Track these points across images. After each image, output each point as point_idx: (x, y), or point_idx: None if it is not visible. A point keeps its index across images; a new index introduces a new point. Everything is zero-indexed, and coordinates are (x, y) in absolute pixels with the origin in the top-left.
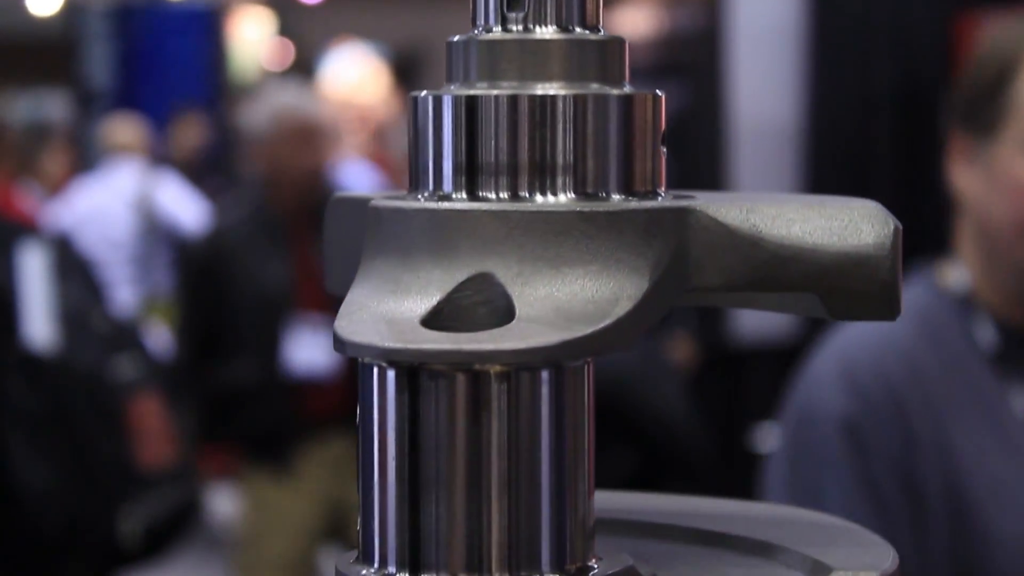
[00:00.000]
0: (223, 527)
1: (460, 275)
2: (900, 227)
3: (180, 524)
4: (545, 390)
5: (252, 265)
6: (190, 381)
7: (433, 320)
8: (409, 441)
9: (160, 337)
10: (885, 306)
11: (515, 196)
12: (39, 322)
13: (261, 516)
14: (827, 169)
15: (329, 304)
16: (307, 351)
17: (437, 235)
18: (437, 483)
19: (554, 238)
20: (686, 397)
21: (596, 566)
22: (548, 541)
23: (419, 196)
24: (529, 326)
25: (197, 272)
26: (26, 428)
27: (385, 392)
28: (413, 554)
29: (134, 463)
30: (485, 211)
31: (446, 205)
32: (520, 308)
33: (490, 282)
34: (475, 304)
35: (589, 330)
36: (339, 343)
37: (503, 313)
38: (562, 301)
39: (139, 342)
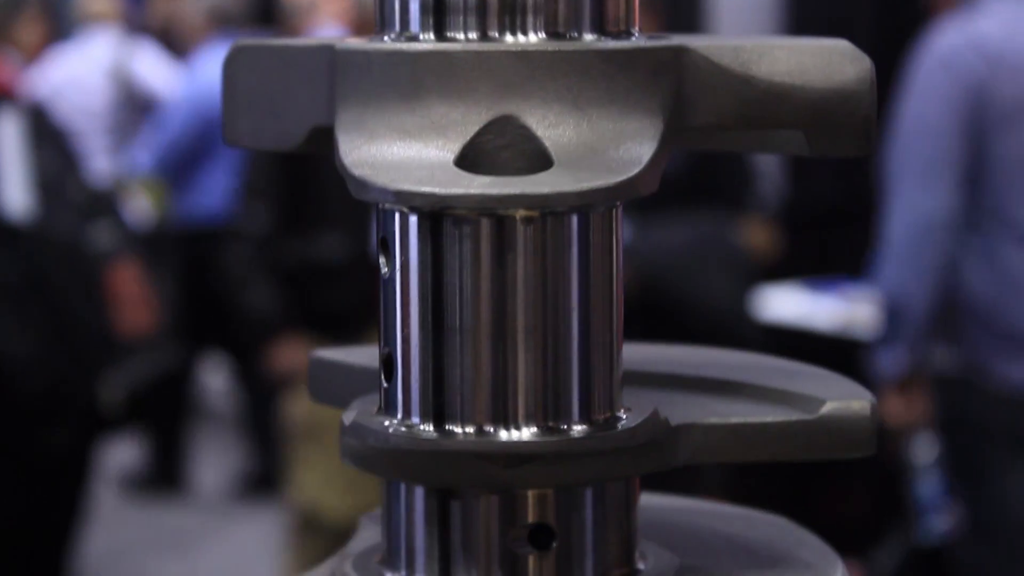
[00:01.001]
0: (217, 400)
1: (481, 118)
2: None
3: (163, 390)
4: (575, 235)
5: None
6: (266, 250)
7: (460, 165)
8: (433, 288)
9: (138, 209)
10: (864, 140)
11: (484, 36)
12: (15, 190)
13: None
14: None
15: None
16: None
17: (450, 77)
18: (461, 331)
19: (576, 79)
20: (747, 290)
21: (624, 416)
22: (576, 390)
23: (385, 38)
24: (567, 171)
25: None
26: (4, 297)
27: (407, 238)
28: (437, 404)
29: (114, 330)
30: (505, 52)
31: (459, 46)
32: (554, 152)
33: (514, 125)
34: (498, 148)
35: (626, 175)
36: (362, 187)
37: (530, 157)
38: (592, 144)
39: (115, 210)
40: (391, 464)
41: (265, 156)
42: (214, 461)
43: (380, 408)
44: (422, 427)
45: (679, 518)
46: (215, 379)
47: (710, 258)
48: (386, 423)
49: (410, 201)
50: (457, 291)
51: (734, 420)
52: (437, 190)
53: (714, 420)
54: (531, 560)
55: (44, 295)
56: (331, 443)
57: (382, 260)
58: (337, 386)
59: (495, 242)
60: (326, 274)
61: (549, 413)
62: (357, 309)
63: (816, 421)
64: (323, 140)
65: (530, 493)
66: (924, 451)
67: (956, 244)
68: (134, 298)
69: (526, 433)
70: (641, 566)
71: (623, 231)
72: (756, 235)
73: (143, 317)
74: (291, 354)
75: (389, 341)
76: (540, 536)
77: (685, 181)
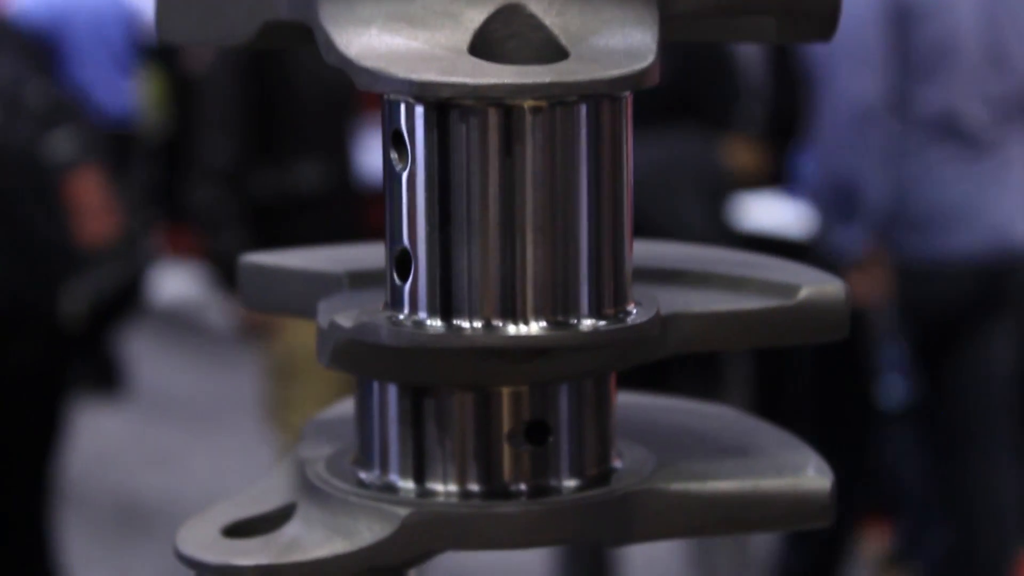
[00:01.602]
0: (172, 307)
1: (487, 7)
2: None
3: (125, 301)
4: (584, 126)
5: (309, 59)
6: (235, 185)
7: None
8: (439, 180)
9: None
10: (829, 26)
11: None
12: None
13: (305, 345)
14: None
15: None
16: (378, 154)
17: None
18: (469, 224)
19: None
20: (721, 214)
21: (634, 311)
22: (586, 284)
23: None
24: (578, 60)
25: (245, 67)
26: None
27: (414, 128)
28: (444, 299)
29: (74, 241)
30: None
31: None
32: (563, 40)
33: (520, 14)
34: (504, 38)
35: (640, 64)
36: (375, 79)
37: (537, 46)
38: (599, 32)
39: (78, 116)
40: (398, 362)
41: (223, 82)
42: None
43: (386, 304)
44: (430, 323)
45: (654, 416)
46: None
47: (685, 179)
48: (390, 317)
49: (436, 92)
50: (465, 184)
51: (718, 309)
52: (467, 80)
53: (699, 310)
54: (508, 457)
55: (0, 207)
56: (315, 380)
57: (394, 155)
58: (272, 291)
59: (503, 133)
60: (303, 206)
61: (558, 307)
62: (337, 243)
63: (795, 307)
64: (276, 35)
65: (527, 388)
66: (885, 323)
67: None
68: (95, 207)
69: (535, 327)
70: (617, 464)
71: (631, 124)
72: (740, 156)
73: (105, 226)
74: None
75: (401, 238)
76: (536, 432)
77: (662, 97)
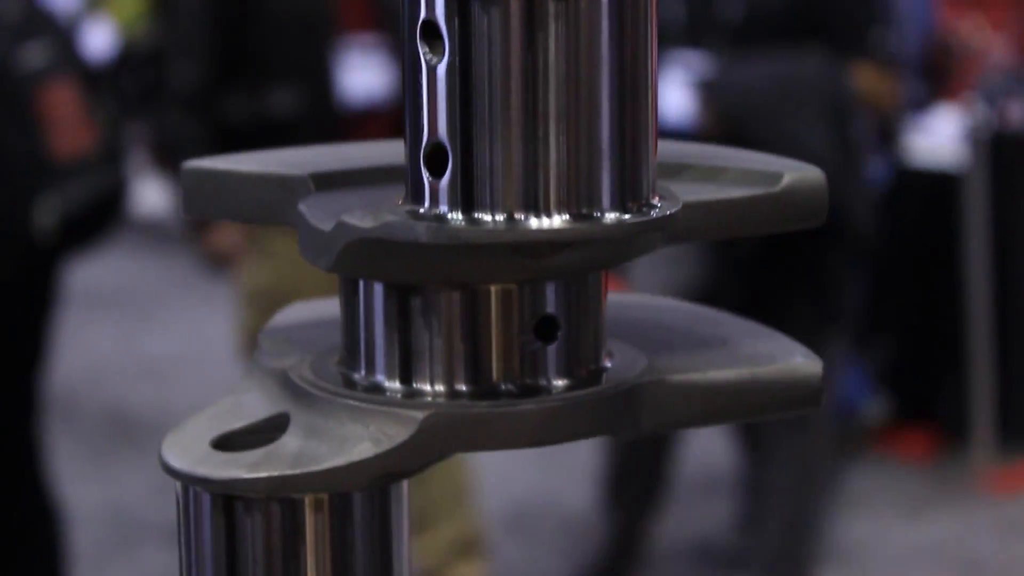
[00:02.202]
0: (152, 220)
1: None
2: None
3: (101, 214)
4: (607, 13)
5: None
6: (202, 109)
7: None
8: (460, 68)
9: (106, 33)
10: None
11: None
12: None
13: (287, 275)
14: None
15: (379, 22)
16: (360, 76)
17: None
18: (489, 114)
19: None
20: (849, 140)
21: (659, 204)
22: (609, 175)
23: None
24: None
25: None
26: None
27: (451, 16)
28: (466, 192)
29: (47, 154)
30: None
31: None
32: None
33: None
34: None
35: None
36: None
37: None
38: None
39: (53, 27)
40: (423, 261)
41: (191, 3)
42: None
43: (406, 198)
44: (451, 216)
45: (631, 313)
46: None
47: (808, 101)
48: (411, 211)
49: None
50: (486, 74)
51: (707, 198)
52: None
53: (690, 199)
54: (521, 355)
55: None
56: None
57: (424, 47)
58: (222, 197)
59: (525, 21)
60: (277, 131)
61: (582, 200)
62: None
63: (779, 193)
64: None
65: (539, 284)
66: None
67: None
68: (70, 119)
69: (558, 220)
70: (608, 363)
71: (655, 14)
72: (870, 82)
73: (79, 139)
74: (231, 232)
75: (435, 132)
76: (546, 328)
77: (783, 17)
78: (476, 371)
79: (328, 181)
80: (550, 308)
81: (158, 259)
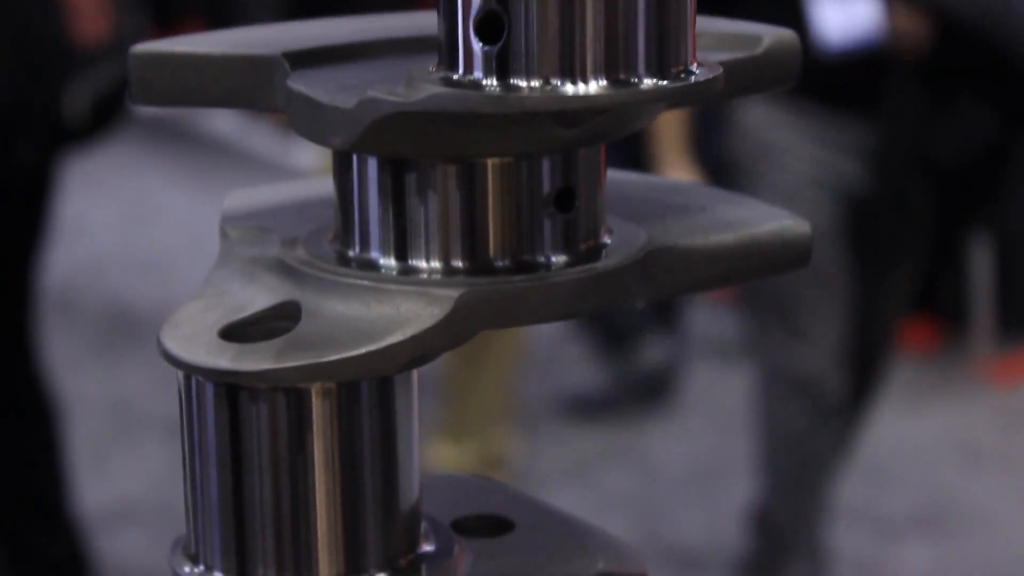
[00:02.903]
0: (156, 112)
1: None
2: None
3: (121, 102)
4: None
5: None
6: None
7: None
8: None
9: None
10: None
11: None
12: None
13: None
14: None
15: None
16: None
17: None
18: None
19: None
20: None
21: (696, 71)
22: (644, 40)
23: None
24: None
25: None
26: None
27: None
28: (501, 64)
29: (74, 40)
30: None
31: None
32: None
33: None
34: None
35: None
36: None
37: None
38: None
39: None
40: (458, 133)
41: None
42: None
43: (439, 66)
44: (486, 82)
45: (645, 193)
46: None
47: None
48: (444, 77)
49: None
50: None
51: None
52: None
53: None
54: (545, 226)
55: None
56: None
57: None
58: (174, 83)
59: None
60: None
61: (620, 65)
62: None
63: (761, 56)
64: None
65: (563, 153)
66: None
67: None
68: (90, 7)
69: (595, 85)
70: (607, 240)
71: None
72: None
73: (100, 26)
74: None
75: None
76: (565, 199)
77: None
78: (504, 245)
79: (302, 59)
80: (570, 179)
81: (160, 151)
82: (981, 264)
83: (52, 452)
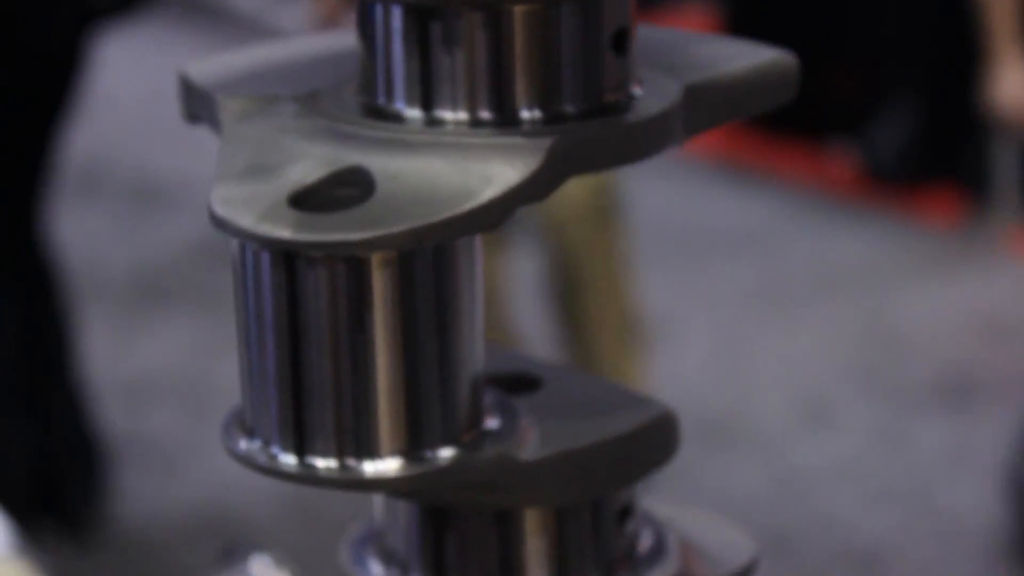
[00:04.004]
0: None
1: None
2: None
3: None
4: None
5: None
6: None
7: None
8: None
9: None
10: None
11: None
12: None
13: None
14: None
15: None
16: None
17: None
18: None
19: None
20: None
21: None
22: None
23: None
24: None
25: None
26: None
27: None
28: None
29: None
30: None
31: None
32: None
33: None
34: None
35: None
36: None
37: None
38: None
39: None
40: None
41: None
42: None
43: None
44: None
45: (679, 42)
46: None
47: None
48: None
49: None
50: None
51: None
52: None
53: None
54: (607, 68)
55: None
56: None
57: None
58: None
59: None
60: None
61: None
62: None
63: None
64: None
65: None
66: None
67: None
68: None
69: None
70: (638, 91)
71: None
72: None
73: None
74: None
75: None
76: (621, 40)
77: None
78: (576, 91)
79: None
80: (625, 19)
81: (193, 29)
82: (1005, 133)
83: (58, 321)
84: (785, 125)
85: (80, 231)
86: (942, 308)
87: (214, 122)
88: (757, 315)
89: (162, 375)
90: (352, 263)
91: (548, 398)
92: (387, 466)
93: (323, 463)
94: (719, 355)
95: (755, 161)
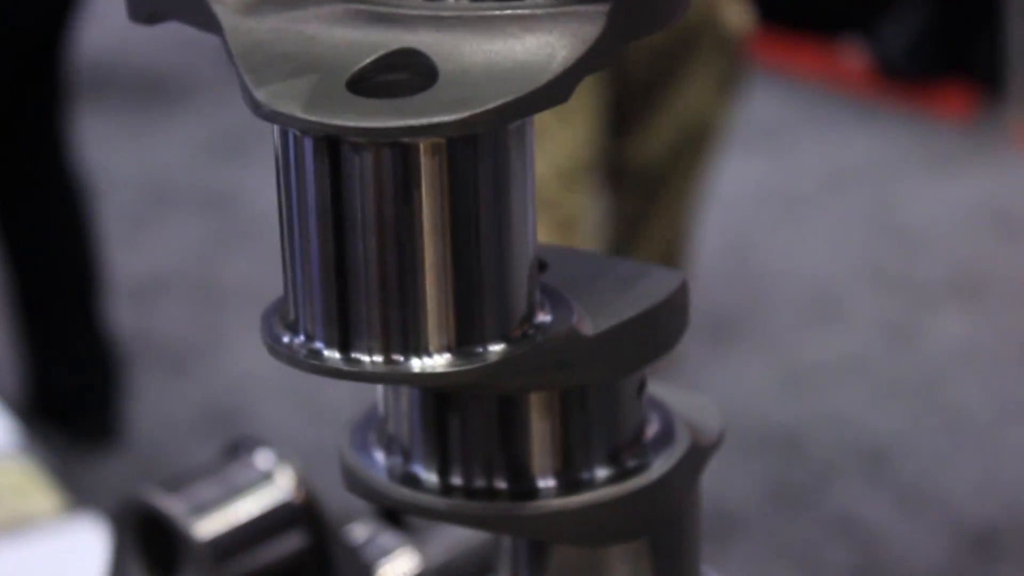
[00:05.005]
0: None
1: None
2: None
3: None
4: None
5: None
6: None
7: None
8: None
9: None
10: None
11: None
12: None
13: None
14: None
15: None
16: None
17: None
18: None
19: None
20: None
21: None
22: None
23: None
24: None
25: None
26: None
27: None
28: None
29: None
30: None
31: None
32: None
33: None
34: None
35: None
36: None
37: None
38: None
39: None
40: None
41: None
42: None
43: None
44: None
45: None
46: None
47: None
48: None
49: None
50: None
51: None
52: None
53: None
54: None
55: None
56: None
57: None
58: None
59: None
60: None
61: None
62: None
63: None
64: None
65: None
66: None
67: None
68: None
69: None
70: None
71: None
72: None
73: None
74: None
75: None
76: None
77: None
78: None
79: None
80: None
81: None
82: (1019, 26)
83: (80, 226)
84: (796, 21)
85: (87, 132)
86: (953, 204)
87: (200, 16)
88: (767, 211)
89: (170, 275)
90: (400, 148)
91: (565, 277)
92: (435, 362)
93: (369, 359)
94: (728, 251)
95: (765, 58)
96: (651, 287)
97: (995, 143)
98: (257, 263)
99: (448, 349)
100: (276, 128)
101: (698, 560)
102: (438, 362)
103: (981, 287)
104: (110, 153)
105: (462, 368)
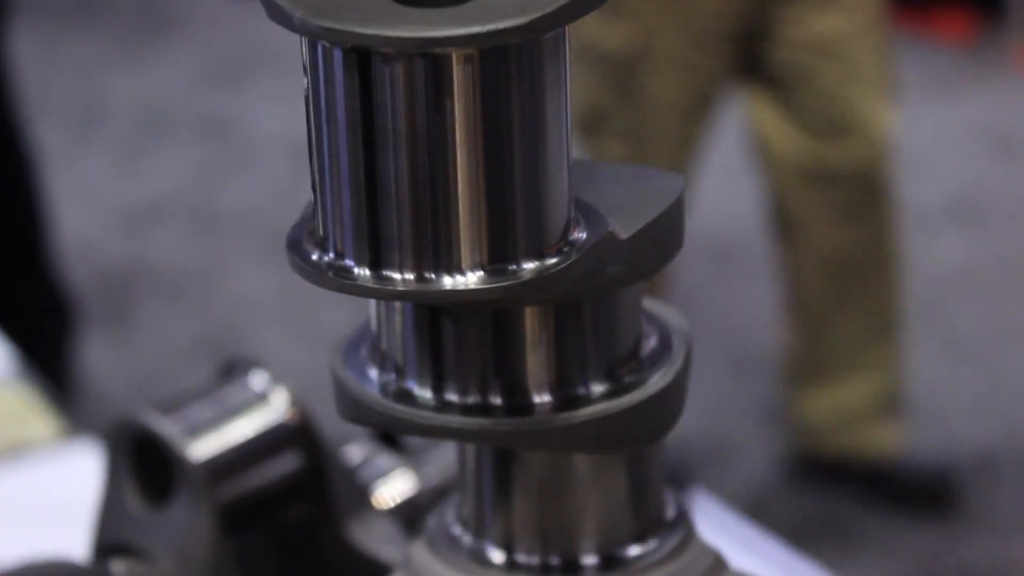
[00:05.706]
0: None
1: None
2: None
3: None
4: None
5: None
6: None
7: None
8: None
9: None
10: None
11: None
12: None
13: (639, 37)
14: None
15: None
16: None
17: None
18: None
19: None
20: None
21: None
22: None
23: None
24: None
25: None
26: None
27: None
28: None
29: None
30: None
31: None
32: None
33: None
34: None
35: None
36: None
37: None
38: None
39: None
40: None
41: None
42: None
43: None
44: None
45: None
46: None
47: None
48: None
49: None
50: None
51: None
52: None
53: None
54: None
55: None
56: None
57: None
58: None
59: None
60: None
61: None
62: None
63: None
64: None
65: None
66: None
67: None
68: None
69: None
70: None
71: None
72: None
73: None
74: None
75: None
76: None
77: None
78: None
79: None
80: None
81: None
82: None
83: (27, 201)
84: None
85: (83, 58)
86: (953, 127)
87: None
88: None
89: (167, 200)
90: (432, 59)
91: (578, 185)
92: (467, 280)
93: (399, 276)
94: (726, 177)
95: None
96: (659, 188)
97: (995, 66)
98: (254, 190)
99: (480, 266)
100: (304, 41)
101: (663, 469)
102: (471, 279)
103: (980, 210)
104: (107, 78)
105: (494, 285)
